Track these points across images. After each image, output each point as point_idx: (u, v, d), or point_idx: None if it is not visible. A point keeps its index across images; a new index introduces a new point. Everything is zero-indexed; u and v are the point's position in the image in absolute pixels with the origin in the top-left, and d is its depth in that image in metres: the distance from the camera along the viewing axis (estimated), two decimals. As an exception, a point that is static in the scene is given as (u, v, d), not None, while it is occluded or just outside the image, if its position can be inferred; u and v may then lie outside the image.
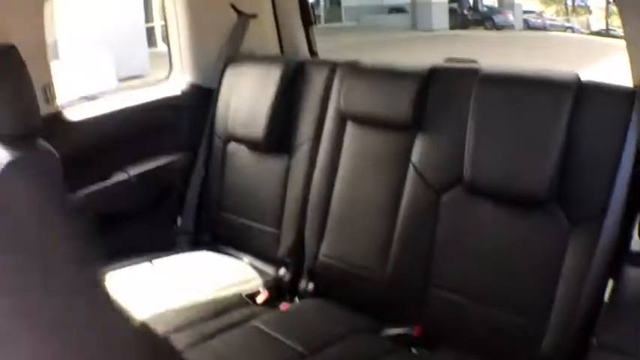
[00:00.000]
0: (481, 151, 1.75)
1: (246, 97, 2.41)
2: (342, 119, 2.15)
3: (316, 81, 2.27)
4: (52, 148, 1.66)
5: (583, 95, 1.65)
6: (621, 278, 1.47)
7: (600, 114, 1.64)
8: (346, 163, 2.12)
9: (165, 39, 2.82)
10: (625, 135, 1.58)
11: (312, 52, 2.80)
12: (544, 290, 1.65)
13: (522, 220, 1.71)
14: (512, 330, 1.70)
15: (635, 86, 1.67)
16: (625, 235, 1.61)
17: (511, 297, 1.71)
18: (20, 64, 1.62)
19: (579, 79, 1.69)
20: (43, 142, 1.66)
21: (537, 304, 1.66)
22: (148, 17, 13.87)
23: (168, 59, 2.77)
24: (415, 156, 1.93)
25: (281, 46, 2.81)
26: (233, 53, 2.64)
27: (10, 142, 1.58)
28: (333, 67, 2.24)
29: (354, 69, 2.16)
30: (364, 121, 2.09)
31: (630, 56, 1.73)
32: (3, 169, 1.51)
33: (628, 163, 1.58)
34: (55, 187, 1.63)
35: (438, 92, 1.94)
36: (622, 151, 1.58)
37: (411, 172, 1.93)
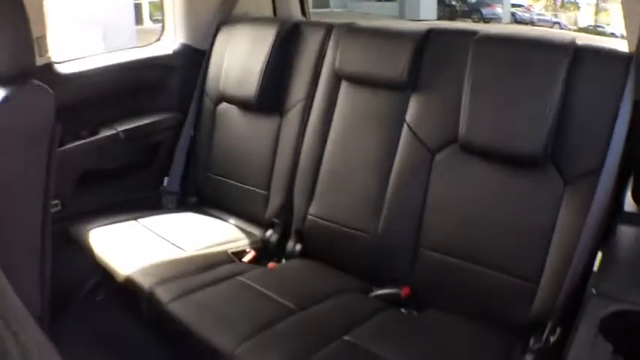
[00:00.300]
0: (476, 111, 1.75)
1: (239, 57, 2.38)
2: (336, 79, 2.13)
3: (311, 41, 2.25)
4: (47, 87, 1.64)
5: (579, 58, 1.66)
6: (615, 238, 1.47)
7: (596, 76, 1.65)
8: (339, 123, 2.10)
9: (160, 10, 2.78)
10: (620, 98, 1.59)
11: (306, 17, 2.79)
12: (536, 250, 1.65)
13: (516, 180, 1.71)
14: (502, 290, 1.70)
15: (630, 51, 1.68)
16: (618, 196, 1.62)
17: (502, 257, 1.71)
18: (19, 5, 1.60)
19: (575, 42, 1.70)
20: (38, 82, 1.64)
21: (529, 265, 1.66)
22: (135, -6, 13.70)
23: (155, 35, 2.74)
24: (410, 116, 1.92)
25: (274, 10, 2.79)
26: (226, 15, 2.62)
27: (6, 82, 1.58)
28: (329, 28, 2.23)
29: (351, 30, 2.14)
30: (359, 80, 2.07)
31: (626, 24, 1.74)
32: None
33: (623, 125, 1.58)
34: (48, 123, 1.63)
35: (434, 53, 1.93)
36: (617, 113, 1.59)
37: (405, 132, 1.92)
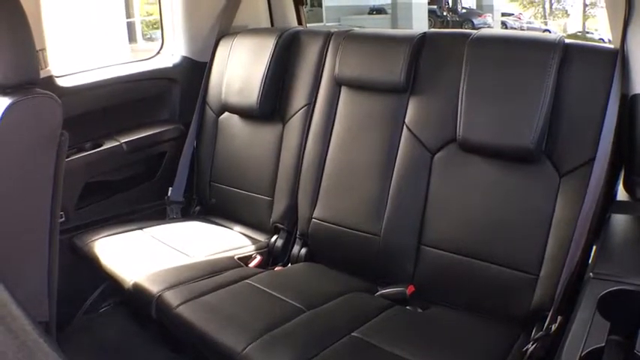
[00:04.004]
0: (473, 109, 1.80)
1: (240, 67, 2.43)
2: (336, 85, 2.18)
3: (311, 49, 2.30)
4: (53, 94, 1.68)
5: (568, 55, 1.73)
6: (609, 226, 1.52)
7: (585, 72, 1.71)
8: (340, 128, 2.15)
9: (154, 28, 2.82)
10: (608, 91, 1.65)
11: (302, 25, 2.85)
12: (535, 243, 1.70)
13: (513, 175, 1.76)
14: (504, 284, 1.75)
15: (615, 47, 1.74)
16: (611, 186, 1.67)
17: (503, 251, 1.75)
18: (21, 15, 1.63)
19: (564, 40, 1.76)
20: (43, 91, 1.68)
21: (529, 257, 1.71)
22: (129, 13, 13.78)
23: (148, 54, 2.79)
24: (409, 118, 1.97)
25: (272, 22, 2.84)
26: (225, 27, 2.67)
27: (12, 91, 1.62)
28: (327, 35, 2.28)
29: (349, 36, 2.19)
30: (359, 86, 2.12)
31: (610, 20, 1.81)
32: (5, 112, 1.55)
33: (612, 117, 1.64)
34: (54, 131, 1.66)
35: (430, 56, 1.99)
36: (606, 106, 1.65)
37: (405, 134, 1.97)
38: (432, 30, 2.08)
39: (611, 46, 1.79)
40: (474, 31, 1.93)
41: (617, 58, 1.68)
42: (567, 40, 1.77)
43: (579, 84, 1.71)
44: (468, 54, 1.84)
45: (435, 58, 1.97)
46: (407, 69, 1.99)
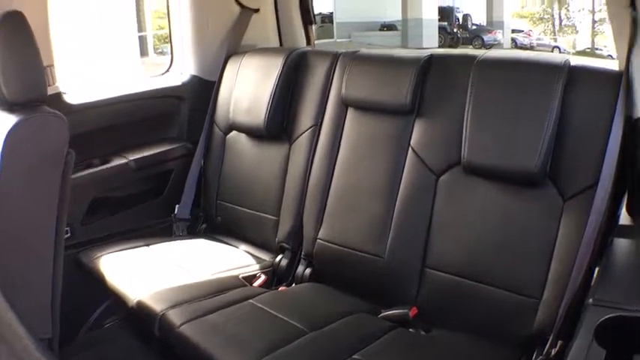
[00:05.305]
0: (478, 132, 1.81)
1: (248, 86, 2.45)
2: (343, 106, 2.19)
3: (318, 70, 2.32)
4: (59, 113, 1.69)
5: (573, 77, 1.73)
6: (611, 250, 1.52)
7: (589, 95, 1.71)
8: (346, 149, 2.16)
9: (165, 43, 2.86)
10: (613, 114, 1.65)
11: (310, 46, 2.87)
12: (538, 266, 1.70)
13: (517, 198, 1.76)
14: (506, 307, 1.74)
15: (620, 70, 1.74)
16: (614, 210, 1.67)
17: (506, 275, 1.75)
18: (27, 32, 1.65)
19: (569, 62, 1.76)
20: (50, 109, 1.70)
21: (531, 280, 1.71)
22: (141, 27, 13.90)
23: (159, 68, 2.81)
24: (414, 140, 1.98)
25: (280, 42, 2.87)
26: (234, 46, 2.69)
27: (19, 109, 1.64)
28: (335, 56, 2.29)
29: (356, 57, 2.21)
30: (365, 107, 2.13)
31: (615, 43, 1.81)
32: (11, 130, 1.56)
33: (616, 140, 1.63)
34: (60, 149, 1.67)
35: (436, 78, 2.00)
36: (610, 129, 1.64)
37: (410, 156, 1.98)
38: (439, 52, 2.09)
39: (617, 68, 1.79)
40: (480, 53, 1.94)
41: (620, 80, 1.68)
42: (573, 63, 1.77)
43: (584, 107, 1.71)
44: (474, 76, 1.85)
45: (441, 81, 1.98)
46: (413, 91, 2.00)
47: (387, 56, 2.19)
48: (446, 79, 1.97)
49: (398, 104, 2.02)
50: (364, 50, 2.27)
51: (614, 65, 1.85)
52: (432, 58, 2.04)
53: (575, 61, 1.81)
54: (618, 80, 1.69)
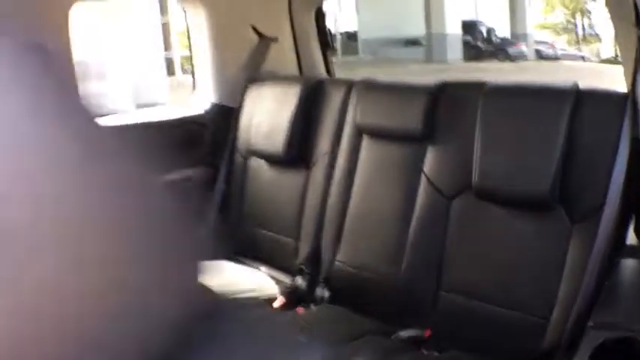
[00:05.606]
0: (488, 158, 1.86)
1: (267, 114, 2.54)
2: (358, 133, 2.27)
3: (334, 98, 2.39)
4: None
5: (580, 101, 1.77)
6: (618, 271, 1.55)
7: (596, 117, 1.76)
8: (362, 175, 2.23)
9: (190, 64, 2.94)
10: (619, 136, 1.68)
11: (330, 74, 2.95)
12: (547, 288, 1.74)
13: (528, 221, 1.81)
14: (516, 329, 1.79)
15: (627, 91, 1.78)
16: (622, 231, 1.71)
17: (516, 297, 1.80)
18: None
19: (577, 86, 1.81)
20: None
21: (541, 302, 1.75)
22: (167, 47, 14.18)
23: (185, 87, 2.89)
24: (427, 165, 2.05)
25: (300, 69, 2.94)
26: (254, 73, 2.77)
27: None
28: (349, 84, 2.37)
29: (370, 85, 2.29)
30: (379, 134, 2.20)
31: (623, 63, 1.85)
32: None
33: (622, 162, 1.67)
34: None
35: (447, 105, 2.06)
36: (617, 151, 1.68)
37: (423, 181, 2.04)
38: (449, 80, 2.15)
39: (625, 90, 1.82)
40: (489, 81, 2.00)
41: (626, 102, 1.71)
42: (580, 87, 1.81)
43: (591, 130, 1.75)
44: (484, 104, 1.91)
45: (452, 108, 2.05)
46: (424, 118, 2.06)
47: (398, 84, 2.26)
48: (456, 106, 2.04)
49: (410, 131, 2.09)
50: (377, 78, 2.34)
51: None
52: (442, 86, 2.10)
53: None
54: (625, 102, 1.72)
